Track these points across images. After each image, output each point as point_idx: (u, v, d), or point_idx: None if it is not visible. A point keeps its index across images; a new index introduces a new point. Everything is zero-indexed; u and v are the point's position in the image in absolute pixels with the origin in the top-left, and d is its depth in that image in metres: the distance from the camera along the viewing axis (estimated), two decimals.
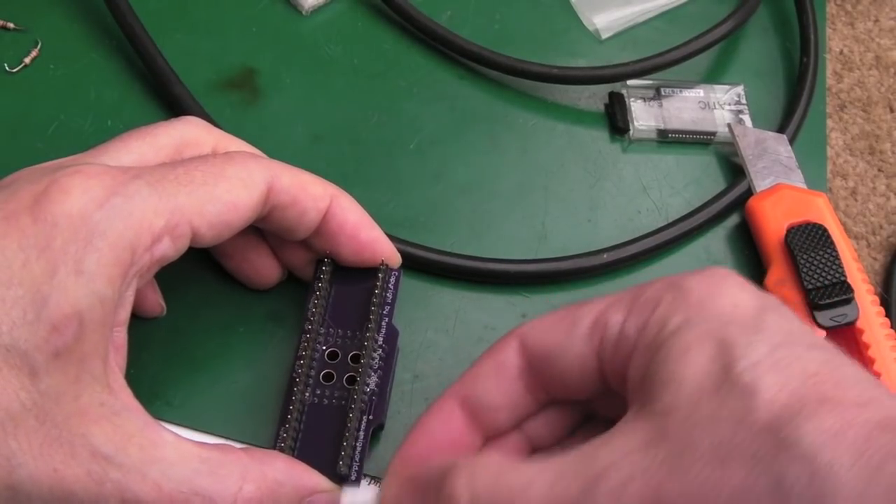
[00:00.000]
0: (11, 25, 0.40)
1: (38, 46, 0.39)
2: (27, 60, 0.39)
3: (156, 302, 0.33)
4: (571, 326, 0.27)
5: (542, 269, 0.37)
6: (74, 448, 0.24)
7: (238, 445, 0.31)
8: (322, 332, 0.32)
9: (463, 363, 0.34)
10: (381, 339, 0.32)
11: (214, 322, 0.34)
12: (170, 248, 0.27)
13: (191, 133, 0.31)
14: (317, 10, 0.43)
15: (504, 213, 0.39)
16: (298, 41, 0.42)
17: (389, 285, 0.33)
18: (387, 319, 0.32)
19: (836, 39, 0.47)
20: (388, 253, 0.33)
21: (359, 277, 0.32)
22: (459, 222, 0.38)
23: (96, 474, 0.24)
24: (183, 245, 0.28)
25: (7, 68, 0.39)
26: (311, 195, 0.31)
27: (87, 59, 0.40)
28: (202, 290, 0.34)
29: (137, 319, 0.30)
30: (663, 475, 0.22)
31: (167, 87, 0.38)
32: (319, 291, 0.32)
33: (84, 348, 0.25)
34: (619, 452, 0.23)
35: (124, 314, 0.27)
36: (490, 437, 0.28)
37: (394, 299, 0.33)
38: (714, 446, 0.22)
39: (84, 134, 0.38)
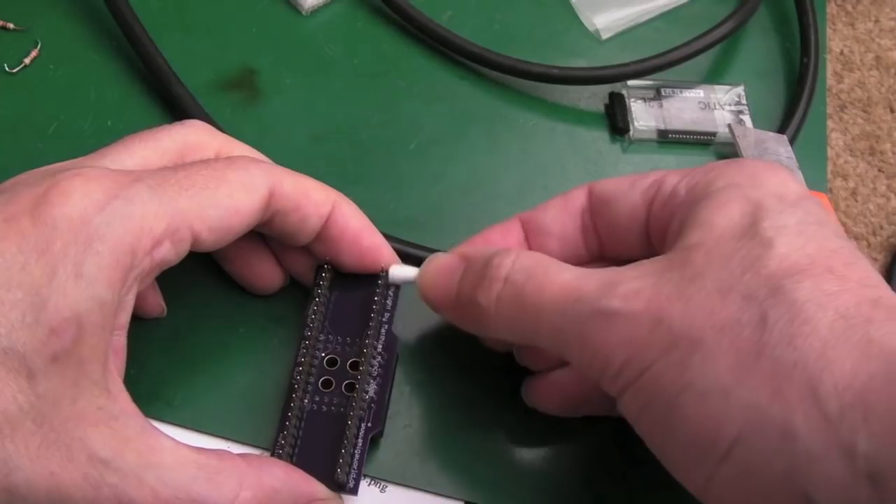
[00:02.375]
0: (11, 25, 0.40)
1: (38, 46, 0.39)
2: (27, 60, 0.39)
3: (156, 303, 0.33)
4: (635, 181, 0.30)
5: None
6: (72, 452, 0.24)
7: (237, 447, 0.31)
8: (321, 338, 0.32)
9: (462, 366, 0.34)
10: (380, 346, 0.32)
11: (214, 323, 0.34)
12: (170, 252, 0.27)
13: (194, 137, 0.31)
14: (317, 10, 0.43)
15: (504, 214, 0.38)
16: (298, 41, 0.42)
17: (389, 292, 0.33)
18: (386, 326, 0.32)
19: (837, 40, 0.47)
20: (390, 259, 0.33)
21: (359, 284, 0.32)
22: (459, 222, 0.38)
23: (93, 478, 0.24)
24: (183, 249, 0.28)
25: (7, 68, 0.39)
26: (313, 201, 0.31)
27: (87, 59, 0.40)
28: (202, 291, 0.34)
29: (138, 320, 0.30)
30: (669, 293, 0.25)
31: (167, 88, 0.38)
32: (319, 297, 0.32)
33: (82, 352, 0.25)
34: (640, 271, 0.26)
35: (124, 318, 0.27)
36: None
37: (394, 306, 0.32)
38: (720, 280, 0.25)
39: (84, 134, 0.38)
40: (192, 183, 0.28)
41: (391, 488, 0.32)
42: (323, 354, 0.32)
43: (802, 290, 0.24)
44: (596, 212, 0.31)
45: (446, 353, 0.34)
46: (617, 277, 0.26)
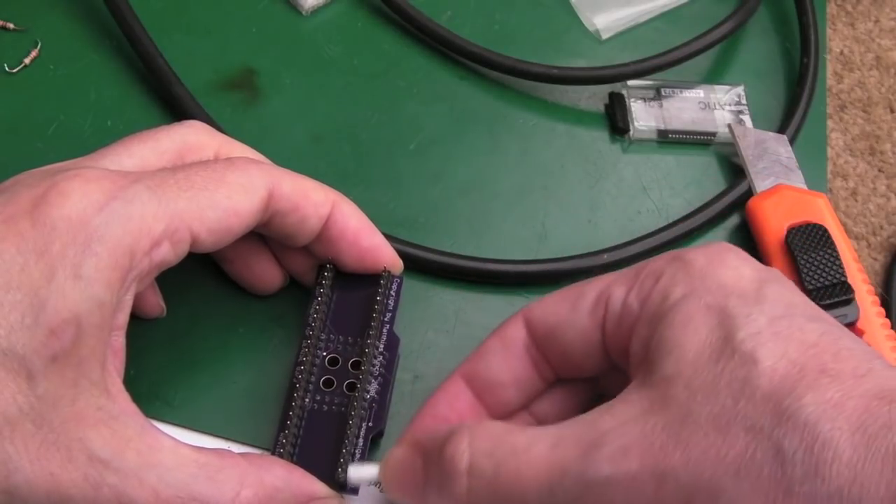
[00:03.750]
0: (11, 25, 0.40)
1: (38, 46, 0.39)
2: (27, 60, 0.39)
3: (156, 303, 0.33)
4: (575, 301, 0.27)
5: (542, 270, 0.37)
6: (71, 452, 0.24)
7: (237, 447, 0.31)
8: (323, 337, 0.32)
9: None
10: (381, 345, 0.32)
11: (214, 323, 0.34)
12: (169, 253, 0.27)
13: (193, 137, 0.31)
14: (317, 10, 0.43)
15: (504, 214, 0.39)
16: (298, 41, 0.42)
17: (391, 292, 0.32)
18: (388, 326, 0.32)
19: (837, 40, 0.47)
20: (390, 259, 0.32)
21: (360, 284, 0.32)
22: (459, 222, 0.38)
23: (93, 479, 0.24)
24: (182, 250, 0.28)
25: (7, 68, 0.39)
26: (313, 201, 0.31)
27: (87, 59, 0.40)
28: (202, 291, 0.34)
29: (137, 320, 0.30)
30: (664, 442, 0.23)
31: (167, 88, 0.38)
32: (321, 297, 0.32)
33: (82, 353, 0.25)
34: (619, 419, 0.24)
35: (123, 318, 0.27)
36: (497, 416, 0.29)
37: (395, 306, 0.32)
38: (715, 415, 0.22)
39: (84, 134, 0.38)
40: (191, 184, 0.28)
41: None
42: (324, 354, 0.32)
43: (807, 407, 0.22)
44: (542, 345, 0.29)
45: (447, 352, 0.34)
46: (597, 436, 0.23)
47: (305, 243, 0.32)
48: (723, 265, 0.25)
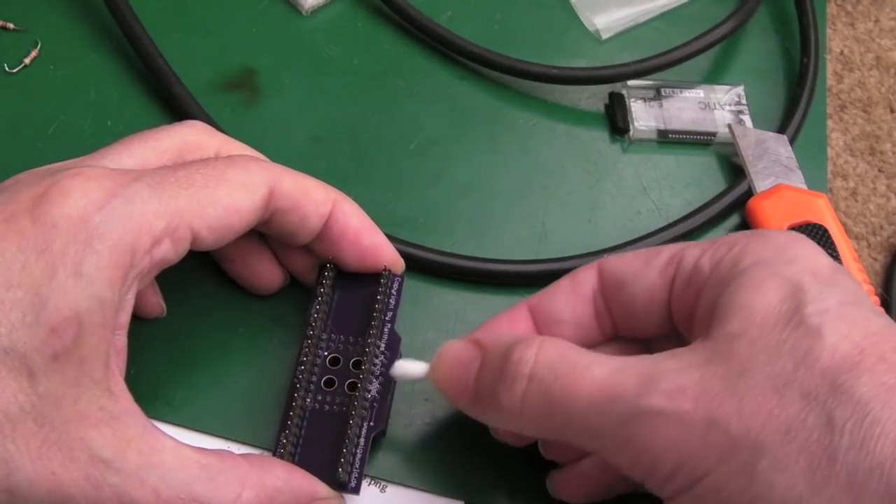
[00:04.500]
0: (11, 25, 0.40)
1: (38, 46, 0.39)
2: (27, 60, 0.39)
3: (156, 303, 0.33)
4: (650, 258, 0.28)
5: (542, 270, 0.37)
6: (73, 452, 0.24)
7: (237, 447, 0.31)
8: (324, 337, 0.32)
9: None
10: (383, 345, 0.32)
11: (215, 323, 0.34)
12: (170, 251, 0.27)
13: (193, 137, 0.31)
14: (317, 10, 0.43)
15: (504, 213, 0.39)
16: (298, 41, 0.42)
17: (392, 291, 0.32)
18: (389, 326, 0.32)
19: (837, 40, 0.47)
20: (391, 258, 0.32)
21: (361, 283, 0.32)
22: (459, 222, 0.38)
23: (94, 478, 0.24)
24: (183, 248, 0.28)
25: (7, 68, 0.39)
26: (313, 200, 0.31)
27: (87, 59, 0.40)
28: (203, 291, 0.34)
29: (137, 320, 0.30)
30: (718, 390, 0.23)
31: (167, 88, 0.38)
32: (322, 297, 0.32)
33: (83, 351, 0.25)
34: (681, 363, 0.24)
35: (125, 317, 0.27)
36: None
37: (396, 306, 0.32)
38: (773, 375, 0.23)
39: (84, 134, 0.38)
40: (192, 182, 0.28)
41: (391, 488, 0.32)
42: (325, 353, 0.32)
43: (862, 386, 0.22)
44: (610, 294, 0.29)
45: None
46: (657, 372, 0.24)
47: (306, 242, 0.32)
48: (801, 246, 0.26)
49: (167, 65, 0.38)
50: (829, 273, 0.25)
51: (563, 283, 0.30)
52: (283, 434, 0.30)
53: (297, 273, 0.34)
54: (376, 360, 0.31)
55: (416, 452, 0.32)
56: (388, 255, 0.32)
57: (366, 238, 0.32)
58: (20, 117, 0.38)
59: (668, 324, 0.28)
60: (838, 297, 0.24)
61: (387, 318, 0.32)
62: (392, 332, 0.32)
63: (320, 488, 0.29)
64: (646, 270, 0.28)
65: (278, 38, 0.42)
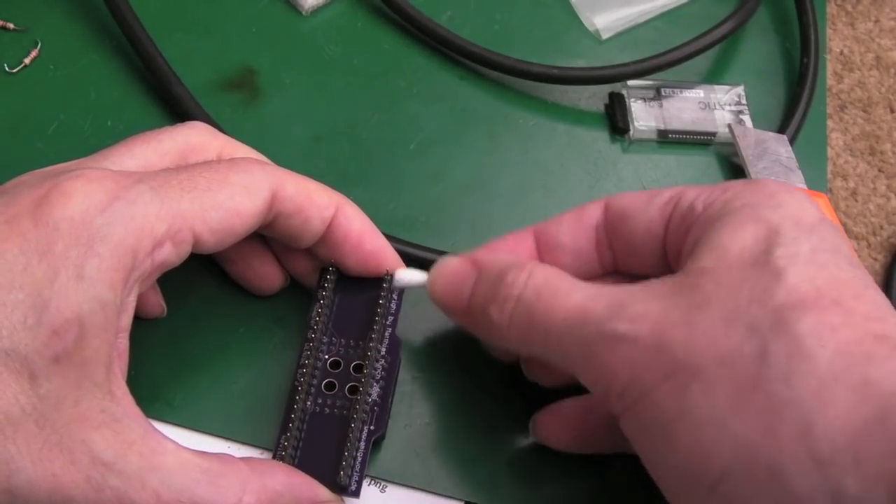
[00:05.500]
0: (11, 25, 0.40)
1: (38, 46, 0.39)
2: (27, 60, 0.39)
3: (157, 303, 0.33)
4: (652, 196, 0.30)
5: None
6: (74, 454, 0.24)
7: (237, 447, 0.31)
8: (325, 340, 0.32)
9: (463, 364, 0.34)
10: (384, 349, 0.32)
11: (215, 324, 0.34)
12: (172, 254, 0.27)
13: (196, 138, 0.31)
14: (317, 10, 0.43)
15: (504, 213, 0.39)
16: (298, 41, 0.42)
17: (393, 296, 0.32)
18: (390, 330, 0.32)
19: (837, 40, 0.47)
20: (393, 262, 0.32)
21: (363, 287, 0.32)
22: (459, 222, 0.38)
23: (95, 481, 0.24)
24: (185, 251, 0.28)
25: (7, 68, 0.39)
26: (316, 204, 0.30)
27: (87, 59, 0.40)
28: (203, 292, 0.34)
29: (138, 320, 0.30)
30: (675, 319, 0.25)
31: (167, 87, 0.38)
32: (323, 300, 0.32)
33: (84, 353, 0.25)
34: (650, 293, 0.26)
35: (126, 320, 0.27)
36: None
37: (398, 310, 0.32)
38: (728, 310, 0.24)
39: (84, 134, 0.38)
40: (194, 185, 0.28)
41: (391, 488, 0.32)
42: (326, 357, 0.32)
43: (805, 324, 0.23)
44: (612, 227, 0.31)
45: (447, 354, 0.34)
46: (626, 298, 0.26)
47: (308, 245, 0.32)
48: (791, 195, 0.27)
49: (167, 65, 0.38)
50: (813, 222, 0.26)
51: (569, 213, 0.32)
52: (284, 437, 0.30)
53: (299, 275, 0.34)
54: (377, 365, 0.31)
55: (416, 452, 0.32)
56: (390, 260, 0.32)
57: (368, 242, 0.32)
58: (20, 117, 0.38)
59: (664, 261, 0.30)
60: (814, 244, 0.25)
61: (388, 323, 0.32)
62: (393, 337, 0.32)
63: (321, 492, 0.29)
64: (647, 207, 0.30)
65: (278, 38, 0.42)
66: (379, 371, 0.31)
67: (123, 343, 0.27)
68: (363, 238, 0.32)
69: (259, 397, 0.32)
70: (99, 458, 0.25)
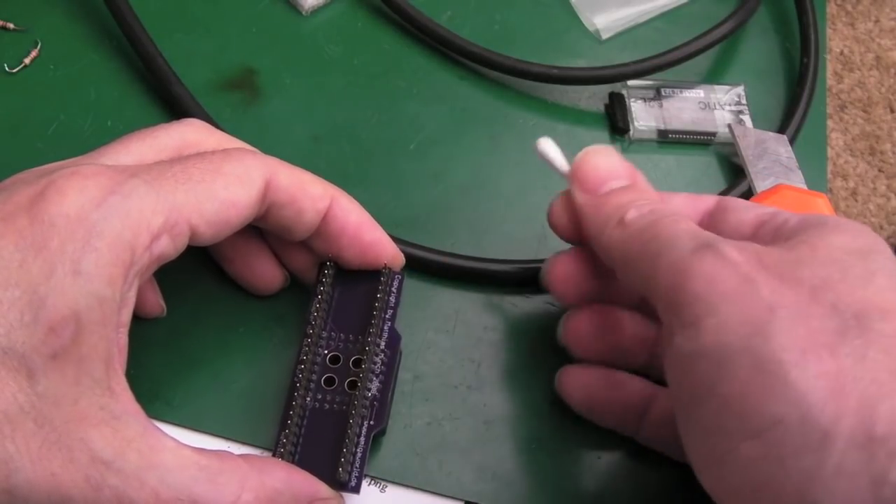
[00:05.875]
0: (11, 25, 0.40)
1: (38, 46, 0.39)
2: (27, 60, 0.39)
3: (156, 302, 0.33)
4: (757, 206, 0.31)
5: None
6: (73, 452, 0.24)
7: (237, 446, 0.31)
8: (324, 335, 0.32)
9: (463, 363, 0.34)
10: (383, 343, 0.32)
11: (215, 323, 0.34)
12: (169, 247, 0.27)
13: (192, 135, 0.31)
14: (317, 10, 0.43)
15: (504, 213, 0.39)
16: (298, 41, 0.42)
17: (392, 289, 0.32)
18: (389, 324, 0.32)
19: (837, 40, 0.47)
20: (392, 254, 0.32)
21: (361, 281, 0.32)
22: (459, 222, 0.38)
23: (94, 480, 0.24)
24: (182, 243, 0.28)
25: (7, 68, 0.39)
26: (310, 195, 0.30)
27: (87, 59, 0.40)
28: (202, 291, 0.34)
29: (137, 320, 0.30)
30: (769, 263, 0.26)
31: (167, 87, 0.38)
32: (322, 295, 0.32)
33: (82, 350, 0.25)
34: (753, 240, 0.28)
35: (126, 315, 0.27)
36: None
37: (397, 303, 0.32)
38: (817, 277, 0.25)
39: (84, 134, 0.38)
40: (188, 177, 0.27)
41: (391, 488, 0.32)
42: (325, 352, 0.32)
43: (886, 326, 0.24)
44: (713, 219, 0.31)
45: (447, 352, 0.34)
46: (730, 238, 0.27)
47: (303, 237, 0.32)
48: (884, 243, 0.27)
49: (167, 65, 0.38)
50: None
51: (684, 194, 0.32)
52: (283, 433, 0.30)
53: (298, 272, 0.34)
54: (376, 359, 0.31)
55: (416, 452, 0.32)
56: (388, 251, 0.32)
57: (366, 234, 0.32)
58: (20, 117, 0.38)
59: None
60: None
61: (387, 316, 0.32)
62: (392, 330, 0.32)
63: (320, 488, 0.29)
64: (747, 210, 0.30)
65: (278, 38, 0.42)
66: (378, 365, 0.31)
67: (123, 338, 0.27)
68: (361, 230, 0.32)
69: (258, 396, 0.32)
70: (98, 456, 0.24)
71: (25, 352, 0.24)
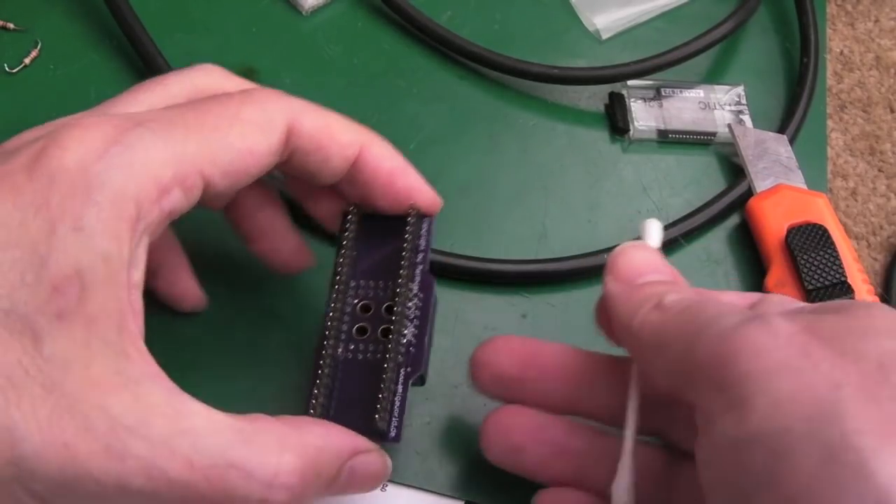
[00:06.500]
0: (11, 25, 0.40)
1: (38, 46, 0.39)
2: (27, 60, 0.39)
3: (195, 293, 0.31)
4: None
5: (542, 269, 0.37)
6: (89, 420, 0.22)
7: None
8: (353, 284, 0.30)
9: (463, 363, 0.34)
10: (416, 287, 0.29)
11: (215, 322, 0.34)
12: (181, 201, 0.25)
13: (205, 81, 0.28)
14: (317, 10, 0.43)
15: (504, 213, 0.39)
16: (298, 41, 0.42)
17: (422, 231, 0.30)
18: (421, 267, 0.30)
19: (837, 40, 0.47)
20: (428, 199, 0.30)
21: (388, 226, 0.30)
22: (459, 222, 0.38)
23: (116, 450, 0.22)
24: (195, 196, 0.25)
25: (7, 68, 0.39)
26: (337, 141, 0.28)
27: (87, 59, 0.40)
28: (205, 290, 0.34)
29: (176, 315, 0.30)
30: (823, 333, 0.23)
31: None
32: (347, 242, 0.30)
33: (89, 310, 0.23)
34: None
35: (138, 275, 0.24)
36: None
37: (427, 246, 0.30)
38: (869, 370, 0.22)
39: None
40: (202, 124, 0.25)
41: (391, 488, 0.32)
42: (355, 301, 0.29)
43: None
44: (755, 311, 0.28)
45: (447, 352, 0.34)
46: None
47: (329, 183, 0.29)
48: None
49: (167, 65, 0.38)
50: None
51: (728, 291, 0.29)
52: (316, 388, 0.27)
53: (322, 220, 0.32)
54: (409, 304, 0.29)
55: (416, 452, 0.32)
56: (424, 197, 0.30)
57: (399, 180, 0.29)
58: (20, 117, 0.38)
59: None
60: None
61: (418, 260, 0.30)
62: (425, 274, 0.30)
63: (360, 442, 0.27)
64: (789, 305, 0.27)
65: (278, 38, 0.42)
66: (412, 310, 0.29)
67: (137, 300, 0.24)
68: (393, 176, 0.29)
69: (258, 397, 0.32)
70: (119, 423, 0.22)
71: (28, 312, 0.22)
